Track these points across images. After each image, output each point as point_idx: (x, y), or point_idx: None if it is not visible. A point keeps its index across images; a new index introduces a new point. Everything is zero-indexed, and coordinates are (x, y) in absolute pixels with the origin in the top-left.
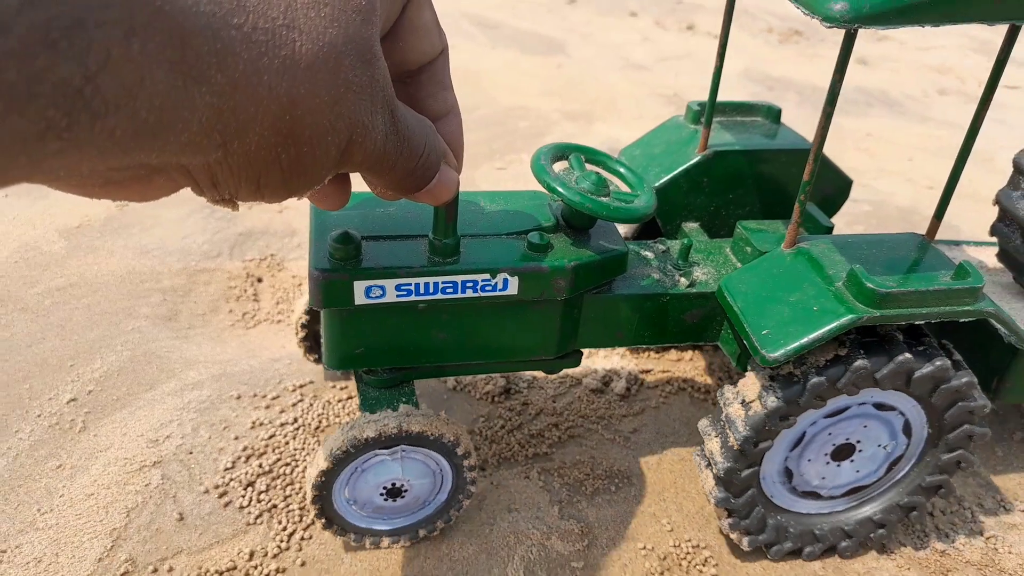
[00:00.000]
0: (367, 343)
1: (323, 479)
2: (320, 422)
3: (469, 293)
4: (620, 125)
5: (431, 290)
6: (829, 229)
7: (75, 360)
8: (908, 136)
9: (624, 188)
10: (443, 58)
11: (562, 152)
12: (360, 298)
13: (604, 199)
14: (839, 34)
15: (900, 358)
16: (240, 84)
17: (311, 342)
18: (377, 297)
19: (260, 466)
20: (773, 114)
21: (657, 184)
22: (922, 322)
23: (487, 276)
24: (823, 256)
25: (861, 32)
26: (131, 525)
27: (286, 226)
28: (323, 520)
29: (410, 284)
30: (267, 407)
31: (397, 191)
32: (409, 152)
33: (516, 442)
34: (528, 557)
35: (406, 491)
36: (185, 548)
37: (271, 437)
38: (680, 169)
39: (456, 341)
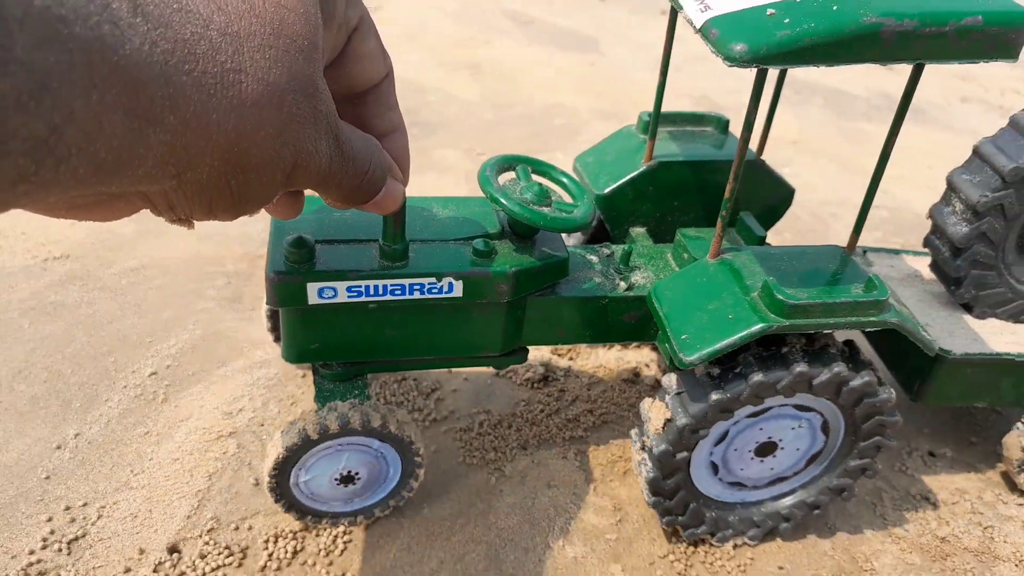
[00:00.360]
0: (321, 339)
1: (277, 469)
2: (377, 400)
3: (416, 295)
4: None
5: (380, 292)
6: (762, 239)
7: (152, 337)
8: (929, 143)
9: (566, 198)
10: (388, 81)
11: (510, 163)
12: (313, 298)
13: (544, 209)
14: None
15: (798, 369)
16: (191, 123)
17: (278, 332)
18: (329, 297)
19: None
20: (722, 125)
21: (605, 191)
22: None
23: (433, 280)
24: (743, 267)
25: None
26: (213, 488)
27: None
28: (282, 504)
29: (360, 286)
30: None
31: (346, 203)
32: (354, 170)
33: (555, 425)
34: (566, 528)
35: (358, 478)
36: (261, 510)
37: None
38: (627, 178)
39: (405, 338)
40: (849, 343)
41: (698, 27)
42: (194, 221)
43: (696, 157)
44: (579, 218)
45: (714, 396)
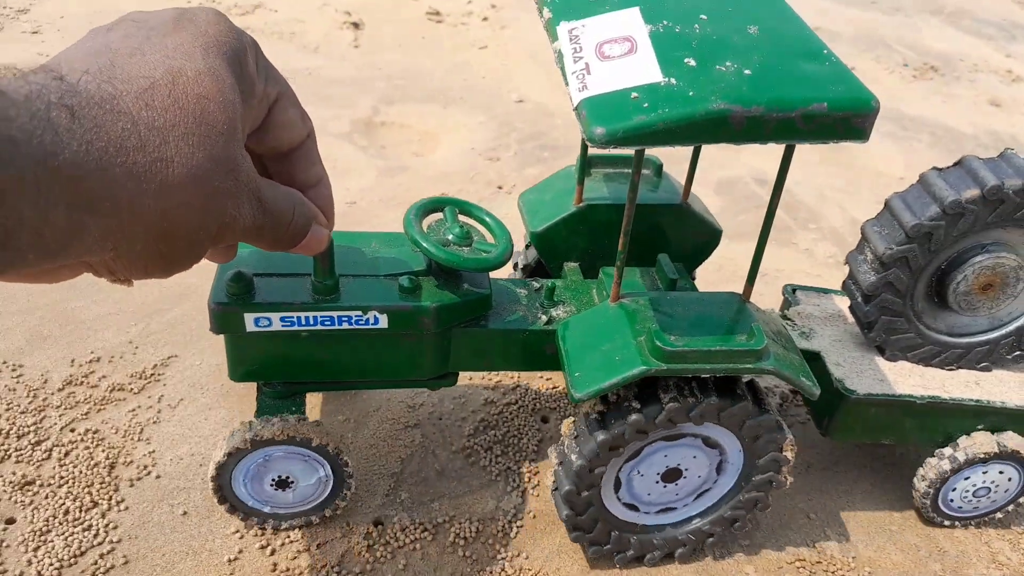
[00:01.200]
0: (259, 362)
1: (218, 471)
2: (535, 405)
3: (345, 326)
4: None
5: (311, 322)
6: (673, 281)
7: None
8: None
9: (489, 238)
10: (310, 140)
11: (438, 205)
12: (250, 326)
13: (463, 250)
14: (976, 73)
15: (669, 404)
16: (124, 207)
17: None
18: (265, 326)
19: (494, 435)
20: (655, 167)
21: (538, 230)
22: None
23: (360, 313)
24: (638, 312)
25: (991, 73)
26: (405, 471)
27: None
28: (224, 504)
29: (293, 317)
30: (493, 388)
31: (274, 249)
32: (277, 222)
33: None
34: None
35: (292, 484)
36: (446, 494)
37: (499, 413)
38: (558, 218)
39: (337, 363)
40: (751, 383)
41: (574, 106)
42: (133, 280)
43: (622, 200)
44: (493, 259)
45: (600, 436)
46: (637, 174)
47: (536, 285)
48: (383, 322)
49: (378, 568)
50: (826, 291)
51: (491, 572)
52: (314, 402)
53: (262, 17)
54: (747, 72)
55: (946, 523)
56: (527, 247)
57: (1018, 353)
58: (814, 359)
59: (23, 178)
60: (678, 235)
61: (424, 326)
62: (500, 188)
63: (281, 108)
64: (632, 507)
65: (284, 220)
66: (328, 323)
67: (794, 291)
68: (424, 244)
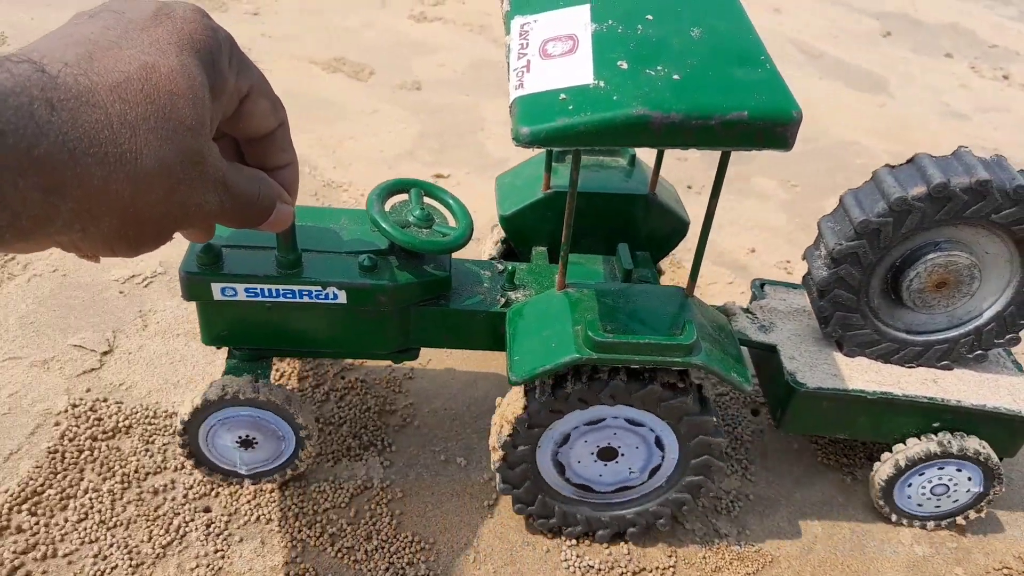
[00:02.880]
0: (227, 329)
1: (184, 427)
2: (745, 398)
3: (305, 299)
4: None
5: (274, 294)
6: (628, 271)
7: None
8: None
9: (451, 221)
10: (282, 129)
11: (403, 187)
12: (217, 295)
13: (423, 232)
14: None
15: (576, 386)
16: (94, 194)
17: None
18: (231, 296)
19: None
20: (629, 156)
21: (507, 214)
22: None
23: (319, 288)
24: (581, 301)
25: None
26: None
27: None
28: (191, 459)
29: (257, 288)
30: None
31: (241, 227)
32: (243, 205)
33: None
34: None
35: (256, 443)
36: None
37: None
38: (526, 203)
39: (301, 333)
40: (684, 374)
41: (509, 104)
42: (100, 257)
43: (591, 188)
44: (450, 241)
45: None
46: (575, 172)
47: (499, 268)
48: (341, 298)
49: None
50: (794, 286)
51: (720, 545)
52: None
53: (453, 8)
54: (675, 77)
55: (903, 521)
56: (496, 243)
57: (979, 352)
58: (770, 352)
59: (8, 166)
60: (644, 224)
61: (381, 304)
62: (689, 188)
63: (252, 100)
64: (585, 488)
65: (250, 201)
66: (289, 296)
67: (762, 286)
68: (383, 225)
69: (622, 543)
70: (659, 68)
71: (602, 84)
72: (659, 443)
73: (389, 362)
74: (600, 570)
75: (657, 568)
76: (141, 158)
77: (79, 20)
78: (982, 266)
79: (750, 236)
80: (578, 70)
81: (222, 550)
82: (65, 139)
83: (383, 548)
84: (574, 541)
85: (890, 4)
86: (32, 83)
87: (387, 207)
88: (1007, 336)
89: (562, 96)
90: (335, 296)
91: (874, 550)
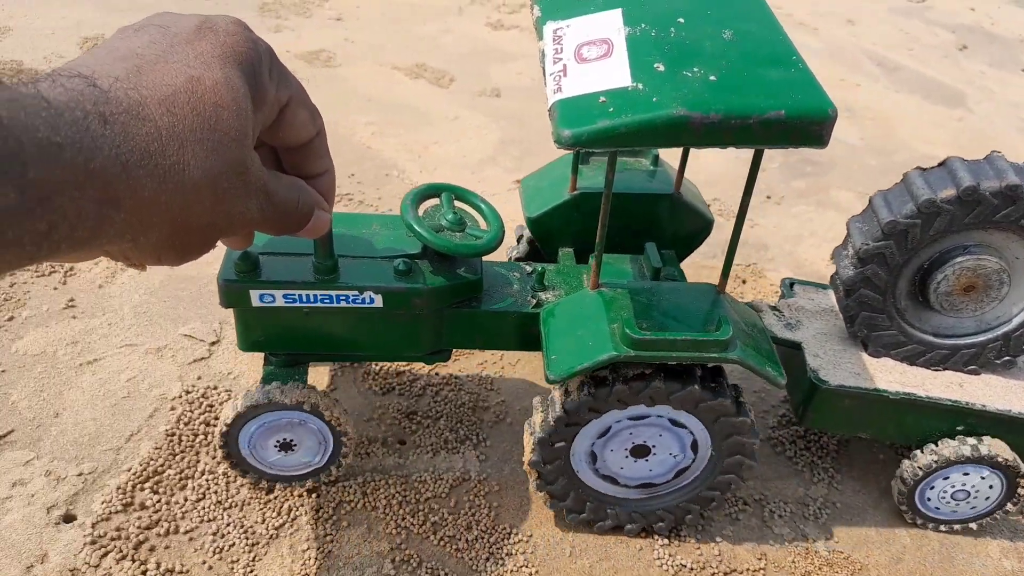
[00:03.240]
0: (265, 334)
1: (227, 430)
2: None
3: (343, 304)
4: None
5: (312, 300)
6: (657, 270)
7: None
8: None
9: (483, 224)
10: (319, 138)
11: (435, 191)
12: (256, 302)
13: (455, 236)
14: None
15: (618, 387)
16: (145, 204)
17: None
18: (269, 302)
19: (796, 431)
20: (652, 156)
21: (534, 216)
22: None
23: (356, 292)
24: (615, 300)
25: None
26: None
27: (759, 241)
28: (229, 461)
29: (295, 294)
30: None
31: (281, 234)
32: (283, 212)
33: None
34: None
35: (295, 446)
36: (758, 476)
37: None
38: (552, 205)
39: (337, 337)
40: (717, 369)
41: (548, 107)
42: (146, 265)
43: (618, 189)
44: (483, 245)
45: (557, 413)
46: (611, 173)
47: (528, 269)
48: (378, 302)
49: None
50: (823, 287)
51: (809, 551)
52: None
53: (527, 16)
54: (712, 78)
55: (920, 522)
56: (519, 240)
57: (1008, 359)
58: (795, 349)
59: (67, 180)
60: (670, 224)
61: (417, 307)
62: (768, 198)
63: (292, 110)
64: (611, 480)
65: (289, 209)
66: (327, 301)
67: (791, 285)
68: (418, 229)
69: (712, 543)
70: (695, 70)
71: (640, 86)
72: (694, 445)
73: (483, 360)
74: (692, 569)
75: (748, 570)
76: (189, 169)
77: (125, 34)
78: (1012, 271)
79: (829, 247)
80: (615, 73)
81: (331, 534)
82: (118, 152)
83: (483, 538)
84: (666, 540)
85: (966, 17)
86: (85, 97)
87: (419, 212)
88: None
89: (602, 99)
90: (371, 300)
91: (963, 563)
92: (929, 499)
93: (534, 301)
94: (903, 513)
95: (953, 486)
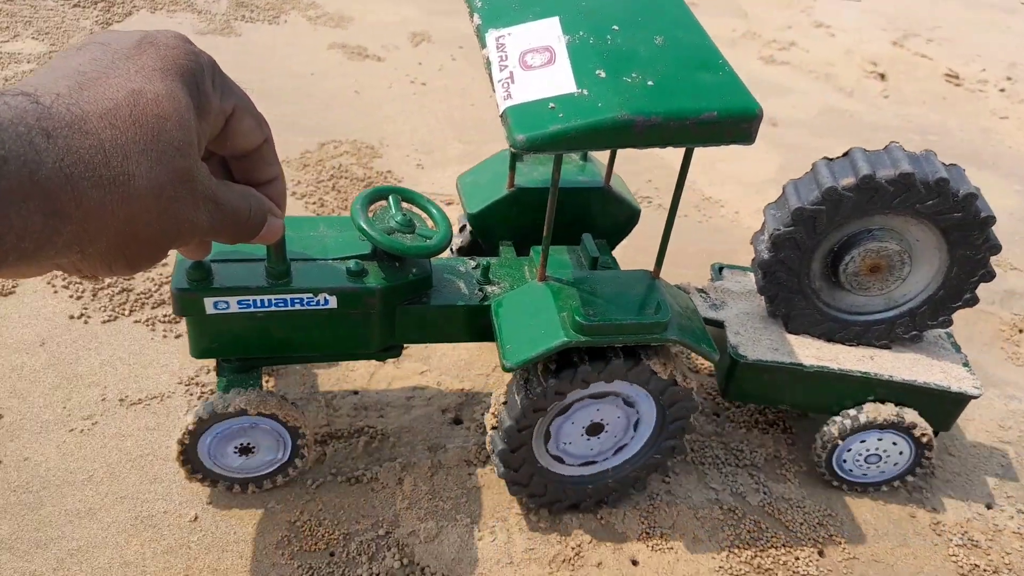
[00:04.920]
0: (219, 341)
1: (186, 440)
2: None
3: (297, 307)
4: None
5: (266, 304)
6: (595, 259)
7: None
8: None
9: (431, 225)
10: (267, 145)
11: (383, 194)
12: (210, 309)
13: (405, 237)
14: None
15: (582, 368)
16: (91, 215)
17: None
18: (223, 309)
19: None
20: (583, 153)
21: (474, 211)
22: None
23: (311, 295)
24: (562, 290)
25: None
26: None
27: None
28: (188, 468)
29: (249, 300)
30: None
31: (234, 243)
32: (235, 221)
33: None
34: None
35: (255, 450)
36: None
37: None
38: (492, 200)
39: (292, 339)
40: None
41: (500, 113)
42: (99, 278)
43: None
44: (434, 245)
45: (523, 400)
46: (557, 173)
47: (472, 264)
48: (332, 303)
49: None
50: (748, 269)
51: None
52: None
53: (798, 54)
54: (650, 83)
55: (836, 484)
56: (461, 229)
57: (915, 333)
58: (719, 327)
59: (13, 190)
60: (601, 215)
61: (370, 306)
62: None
63: (237, 119)
64: (558, 459)
65: (241, 217)
66: (282, 304)
67: (720, 269)
68: (371, 232)
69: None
70: (634, 75)
71: (586, 92)
72: (637, 423)
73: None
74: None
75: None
76: (134, 179)
77: (68, 54)
78: (912, 253)
79: None
80: (560, 79)
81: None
82: (62, 164)
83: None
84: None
85: None
86: (28, 113)
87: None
88: (939, 318)
89: (551, 105)
90: (326, 302)
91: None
92: (845, 461)
93: (481, 294)
94: (822, 475)
95: (868, 450)
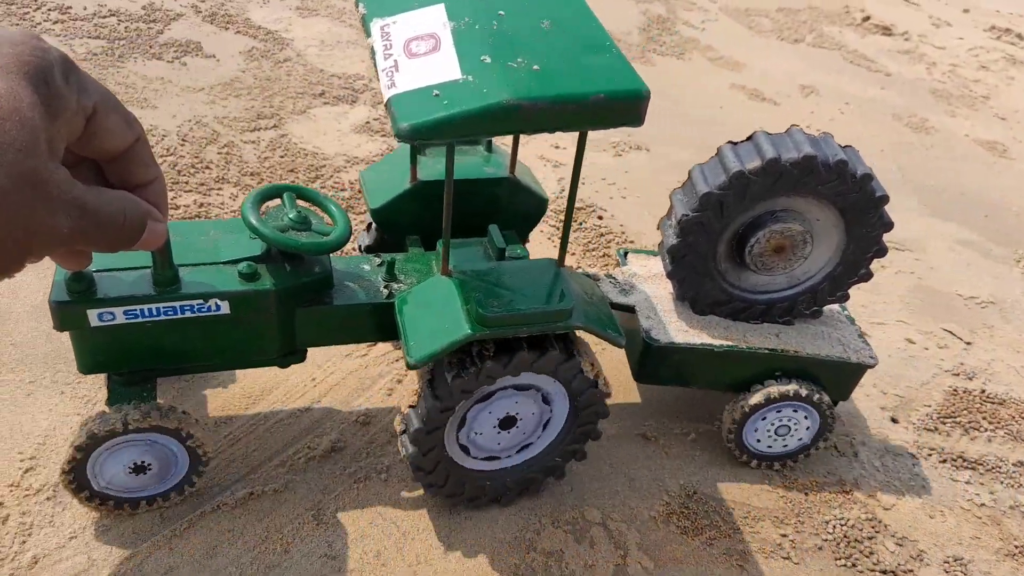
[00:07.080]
0: (106, 354)
1: (72, 462)
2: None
3: (188, 314)
4: None
5: (155, 313)
6: (502, 250)
7: None
8: None
9: (329, 222)
10: (140, 143)
11: (275, 192)
12: (95, 321)
13: (300, 234)
14: None
15: (488, 363)
16: None
17: None
18: (108, 320)
19: None
20: (487, 141)
21: (377, 207)
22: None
23: (201, 301)
24: (465, 283)
25: None
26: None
27: None
28: (75, 488)
29: (136, 309)
30: None
31: (112, 251)
32: (107, 225)
33: None
34: None
35: (150, 468)
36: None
37: None
38: (396, 195)
39: (185, 348)
40: (566, 336)
41: (384, 101)
42: None
43: (457, 176)
44: (331, 241)
45: (431, 402)
46: (450, 163)
47: (377, 261)
48: (224, 308)
49: None
50: (653, 253)
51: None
52: None
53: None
54: (536, 68)
55: (744, 459)
56: (367, 228)
57: (815, 309)
58: (629, 312)
59: None
60: (509, 205)
61: (266, 309)
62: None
63: (100, 117)
64: (465, 449)
65: (116, 223)
66: (171, 312)
67: (625, 254)
68: (262, 230)
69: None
70: (520, 60)
71: (471, 78)
72: (547, 401)
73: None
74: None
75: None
76: None
77: None
78: (814, 232)
79: None
80: (445, 66)
81: None
82: None
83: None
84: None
85: None
86: None
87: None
88: (838, 294)
89: (435, 92)
90: (218, 307)
91: None
92: (758, 438)
93: (387, 291)
94: (731, 451)
95: (778, 421)
